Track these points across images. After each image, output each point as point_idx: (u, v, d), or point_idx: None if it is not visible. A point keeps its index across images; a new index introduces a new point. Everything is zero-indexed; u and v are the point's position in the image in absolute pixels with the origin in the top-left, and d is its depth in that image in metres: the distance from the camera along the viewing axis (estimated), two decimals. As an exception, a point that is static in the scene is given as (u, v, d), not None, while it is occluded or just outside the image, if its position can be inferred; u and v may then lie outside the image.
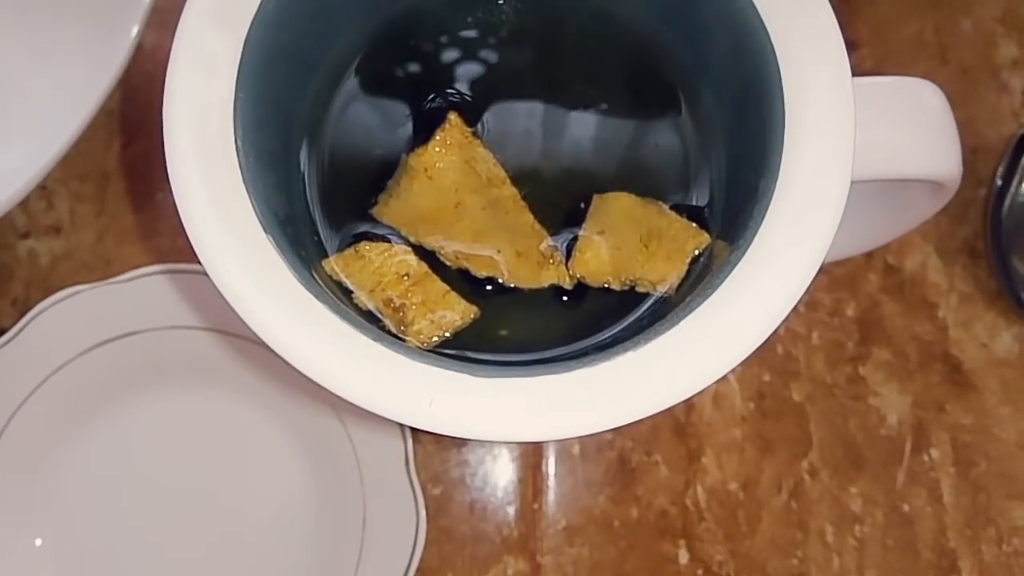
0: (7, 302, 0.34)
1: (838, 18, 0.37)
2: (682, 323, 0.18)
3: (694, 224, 0.22)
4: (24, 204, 0.32)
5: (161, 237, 0.34)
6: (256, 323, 0.16)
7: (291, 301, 0.17)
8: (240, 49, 0.18)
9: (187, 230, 0.17)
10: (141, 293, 0.31)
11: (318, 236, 0.21)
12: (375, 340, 0.17)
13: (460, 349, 0.21)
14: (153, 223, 0.34)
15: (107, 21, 0.31)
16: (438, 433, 0.17)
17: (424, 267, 0.21)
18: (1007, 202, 0.34)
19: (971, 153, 0.36)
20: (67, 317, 0.31)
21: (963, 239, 0.35)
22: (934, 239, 0.35)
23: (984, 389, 0.34)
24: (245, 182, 0.17)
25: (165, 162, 0.36)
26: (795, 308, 0.35)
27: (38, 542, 0.31)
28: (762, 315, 0.17)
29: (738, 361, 0.17)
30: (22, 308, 0.33)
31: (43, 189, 0.34)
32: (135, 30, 0.30)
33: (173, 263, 0.31)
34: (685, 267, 0.22)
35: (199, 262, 0.31)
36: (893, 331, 0.35)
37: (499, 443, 0.33)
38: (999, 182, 0.34)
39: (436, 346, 0.21)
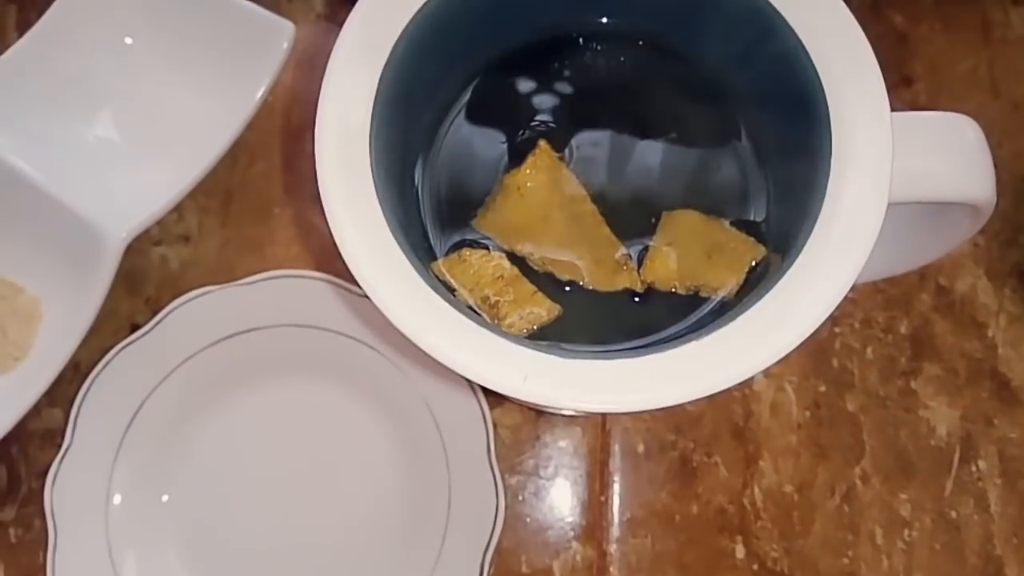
0: (141, 301, 0.38)
1: (895, 56, 0.40)
2: (739, 319, 0.21)
3: (752, 238, 0.25)
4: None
5: (277, 247, 0.38)
6: (386, 308, 0.20)
7: (413, 291, 0.21)
8: (375, 86, 0.22)
9: (333, 233, 0.20)
10: (259, 295, 0.36)
11: (428, 243, 0.25)
12: (480, 326, 0.21)
13: (545, 341, 0.24)
14: (270, 235, 0.39)
15: (251, 63, 0.35)
16: (532, 403, 0.20)
17: (516, 270, 0.25)
18: (1055, 229, 0.36)
19: (1022, 182, 0.38)
20: (195, 315, 0.36)
21: (1013, 263, 0.37)
22: (984, 262, 0.37)
23: (1032, 406, 0.36)
24: (377, 195, 0.21)
25: (282, 181, 0.41)
26: (851, 324, 0.38)
27: (165, 498, 0.36)
28: (810, 312, 0.20)
29: (788, 350, 0.20)
30: (154, 307, 0.37)
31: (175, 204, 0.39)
32: (272, 73, 0.35)
33: (287, 269, 0.36)
34: (744, 276, 0.25)
35: (309, 268, 0.35)
36: (944, 348, 0.37)
37: (579, 415, 0.36)
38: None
39: (525, 338, 0.24)
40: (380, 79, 0.22)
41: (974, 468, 0.36)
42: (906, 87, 0.40)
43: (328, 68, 0.21)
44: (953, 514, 0.35)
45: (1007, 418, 0.36)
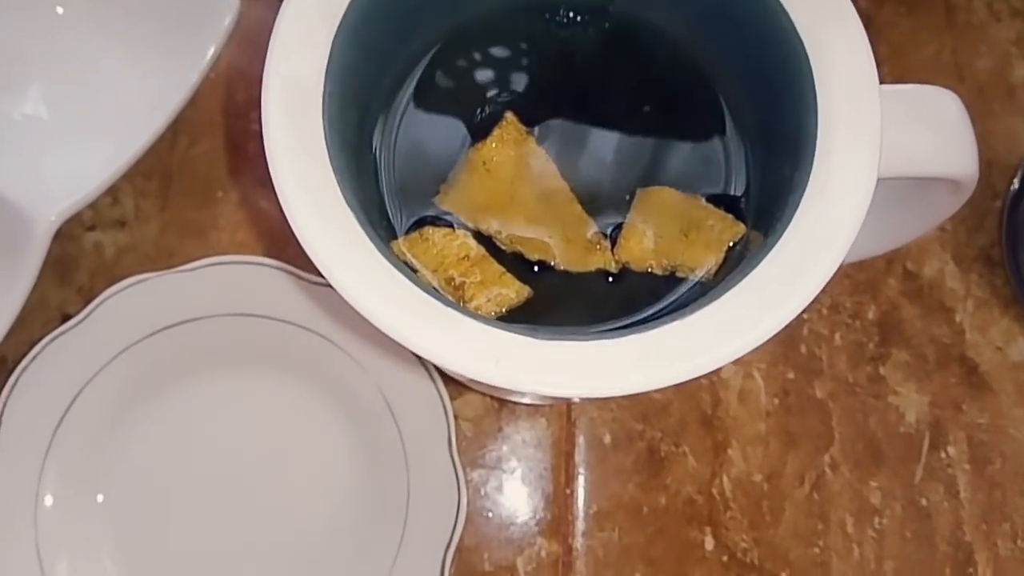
0: (73, 290, 0.36)
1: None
2: (724, 297, 0.19)
3: (731, 215, 0.24)
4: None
5: (221, 232, 0.36)
6: (343, 287, 0.18)
7: (373, 269, 0.19)
8: (330, 42, 0.20)
9: (282, 204, 0.19)
10: (201, 282, 0.33)
11: (387, 219, 0.23)
12: (447, 306, 0.19)
13: (515, 324, 0.22)
14: (212, 219, 0.36)
15: (192, 37, 0.33)
16: (502, 391, 0.18)
17: (482, 250, 0.23)
18: (1022, 212, 0.35)
19: (987, 167, 0.38)
20: (130, 304, 0.33)
21: (980, 248, 0.37)
22: (951, 247, 0.37)
23: (1000, 391, 0.36)
24: (332, 163, 0.19)
25: (226, 163, 0.38)
26: (818, 310, 0.37)
27: (99, 498, 0.33)
28: (796, 292, 0.19)
29: (773, 332, 0.19)
30: (87, 296, 0.35)
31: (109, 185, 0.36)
32: (214, 48, 0.33)
33: (231, 255, 0.34)
34: (723, 255, 0.24)
35: (256, 255, 0.33)
36: (912, 334, 0.36)
37: (544, 403, 0.34)
38: (1015, 185, 0.35)
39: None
40: (335, 35, 0.20)
41: (943, 454, 0.35)
42: (871, 69, 0.39)
43: (278, 21, 0.20)
44: (923, 501, 0.35)
45: (976, 403, 0.36)
